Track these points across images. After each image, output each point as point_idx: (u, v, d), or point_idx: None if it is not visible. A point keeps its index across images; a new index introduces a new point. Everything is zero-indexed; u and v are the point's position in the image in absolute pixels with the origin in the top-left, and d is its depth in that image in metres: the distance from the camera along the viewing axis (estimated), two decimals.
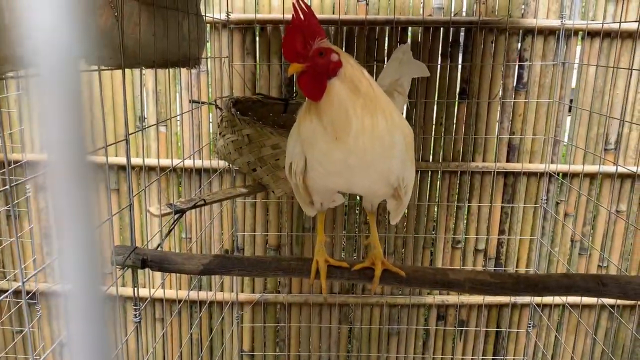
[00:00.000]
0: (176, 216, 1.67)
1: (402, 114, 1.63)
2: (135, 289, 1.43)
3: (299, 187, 1.27)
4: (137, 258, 1.26)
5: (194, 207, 1.74)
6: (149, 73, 2.42)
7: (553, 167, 2.53)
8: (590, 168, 2.52)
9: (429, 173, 2.60)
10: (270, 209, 2.64)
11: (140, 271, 2.63)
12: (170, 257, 1.31)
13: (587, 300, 2.66)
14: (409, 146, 1.14)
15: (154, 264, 1.28)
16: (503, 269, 2.68)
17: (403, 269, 1.30)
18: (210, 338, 2.78)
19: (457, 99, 2.51)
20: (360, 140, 1.05)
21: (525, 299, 2.71)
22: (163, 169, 2.49)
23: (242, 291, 2.75)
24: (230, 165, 2.33)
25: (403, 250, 2.69)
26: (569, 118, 2.56)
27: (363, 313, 2.78)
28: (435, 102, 2.50)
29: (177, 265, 1.30)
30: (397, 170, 1.13)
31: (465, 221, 2.68)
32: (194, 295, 2.70)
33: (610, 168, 2.50)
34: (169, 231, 1.64)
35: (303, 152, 1.15)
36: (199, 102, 2.26)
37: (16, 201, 2.54)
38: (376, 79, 1.41)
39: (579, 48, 2.47)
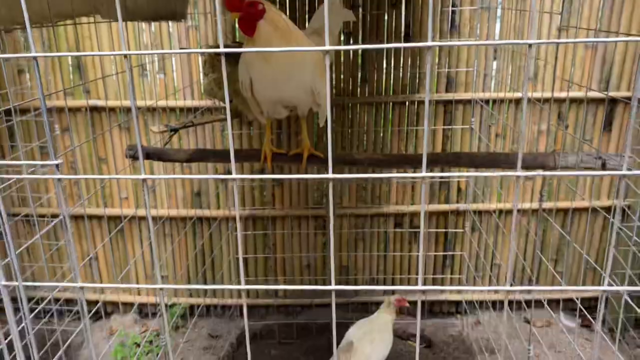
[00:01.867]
0: (171, 133, 2.27)
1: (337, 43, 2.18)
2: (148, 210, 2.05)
3: (250, 100, 1.85)
4: (143, 152, 1.85)
5: (184, 127, 2.33)
6: (147, 29, 2.98)
7: (481, 95, 3.07)
8: (515, 95, 3.06)
9: (382, 105, 3.15)
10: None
11: (151, 195, 3.27)
12: (165, 151, 1.91)
13: (522, 206, 3.25)
14: (317, 64, 1.71)
15: (154, 155, 1.88)
16: (446, 181, 3.27)
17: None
18: (210, 247, 3.43)
19: (402, 41, 3.03)
20: (280, 61, 1.62)
21: (463, 206, 3.30)
22: (163, 109, 3.08)
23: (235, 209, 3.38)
24: (214, 101, 2.91)
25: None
26: (494, 59, 3.08)
27: (334, 223, 3.39)
28: (385, 45, 3.03)
29: (170, 156, 1.89)
30: (310, 81, 1.70)
31: (414, 144, 3.25)
32: (195, 213, 3.34)
33: (530, 94, 3.03)
34: (165, 143, 2.23)
35: (248, 72, 1.73)
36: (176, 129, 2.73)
37: None
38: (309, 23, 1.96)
39: None
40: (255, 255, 3.45)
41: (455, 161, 1.83)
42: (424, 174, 0.73)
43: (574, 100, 3.10)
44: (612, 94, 3.05)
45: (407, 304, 2.71)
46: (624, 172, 0.72)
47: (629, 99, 2.95)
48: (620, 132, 3.12)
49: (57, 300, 3.26)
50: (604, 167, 1.78)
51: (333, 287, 0.79)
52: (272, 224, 3.40)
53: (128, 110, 3.13)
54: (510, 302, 3.52)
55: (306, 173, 2.15)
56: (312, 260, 3.46)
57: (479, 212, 3.31)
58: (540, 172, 1.99)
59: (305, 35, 1.86)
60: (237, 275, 3.51)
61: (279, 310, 3.57)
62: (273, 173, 3.07)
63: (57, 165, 0.77)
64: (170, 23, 2.92)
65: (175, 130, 2.26)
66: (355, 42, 3.04)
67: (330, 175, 0.72)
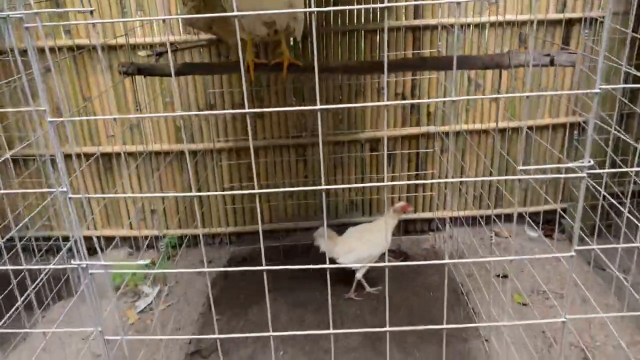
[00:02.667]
0: (157, 56, 2.41)
1: None
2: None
3: (229, 19, 2.00)
4: (135, 68, 2.01)
5: (172, 51, 2.47)
6: None
7: (445, 21, 3.24)
8: (479, 19, 3.24)
9: (355, 33, 3.31)
10: None
11: (136, 132, 3.41)
12: (154, 66, 2.06)
13: (486, 125, 3.50)
14: None
15: (145, 70, 2.03)
16: (416, 105, 3.48)
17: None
18: (196, 180, 3.62)
19: None
20: None
21: (433, 129, 3.53)
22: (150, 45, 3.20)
23: (219, 141, 3.54)
24: (194, 31, 3.03)
25: (340, 97, 3.46)
26: None
27: (314, 150, 3.59)
28: None
29: (159, 71, 2.05)
30: None
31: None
32: (183, 147, 3.50)
33: (490, 18, 3.23)
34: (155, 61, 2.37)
35: None
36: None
37: None
38: None
39: None
40: (240, 184, 3.65)
41: (422, 65, 2.02)
42: (386, 102, 0.92)
43: (532, 22, 3.30)
44: (568, 15, 3.25)
45: (411, 208, 3.08)
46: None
47: (584, 19, 3.17)
48: (578, 49, 3.34)
49: (49, 238, 3.40)
50: (552, 63, 2.00)
51: (323, 187, 1.03)
52: (255, 154, 3.59)
53: (112, 49, 3.23)
54: (478, 217, 3.82)
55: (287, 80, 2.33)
56: (295, 186, 3.67)
57: (447, 134, 3.54)
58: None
59: None
60: (224, 205, 3.71)
61: (265, 236, 3.81)
62: (255, 85, 3.25)
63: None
64: None
65: (160, 54, 2.40)
66: None
67: (317, 107, 0.90)
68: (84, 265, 1.28)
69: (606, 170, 1.63)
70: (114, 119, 3.09)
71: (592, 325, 2.81)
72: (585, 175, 1.26)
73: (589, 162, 1.49)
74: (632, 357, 2.56)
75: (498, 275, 3.29)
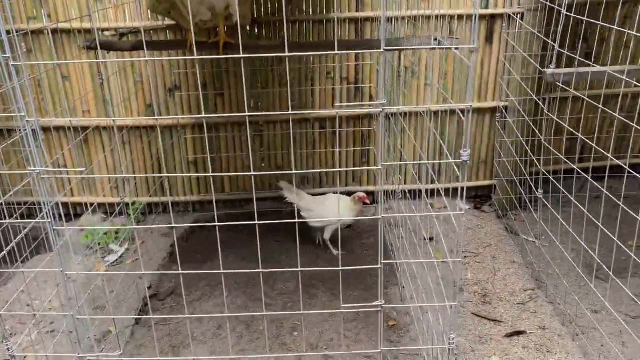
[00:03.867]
0: (121, 36, 2.83)
1: None
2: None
3: (179, 4, 2.42)
4: (96, 43, 2.43)
5: (131, 32, 2.89)
6: None
7: (389, 14, 3.67)
8: (413, 12, 3.68)
9: (304, 23, 3.73)
10: None
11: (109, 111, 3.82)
12: (114, 42, 2.48)
13: (422, 108, 3.93)
14: None
15: (106, 45, 2.45)
16: (360, 88, 3.91)
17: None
18: (164, 152, 4.04)
19: None
20: None
21: (374, 110, 3.96)
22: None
23: (183, 116, 3.96)
24: (158, 16, 3.45)
25: (294, 79, 3.89)
26: None
27: (269, 128, 4.02)
28: None
29: (118, 46, 2.47)
30: None
31: (332, 58, 3.86)
32: (150, 122, 3.92)
33: (423, 12, 3.66)
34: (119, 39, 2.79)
35: None
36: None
37: None
38: None
39: None
40: (203, 156, 4.07)
41: (318, 46, 2.46)
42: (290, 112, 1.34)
43: (461, 17, 3.74)
44: (491, 10, 3.70)
45: (367, 201, 3.53)
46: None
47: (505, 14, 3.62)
48: (500, 43, 3.79)
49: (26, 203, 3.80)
50: (439, 45, 2.43)
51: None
52: (216, 130, 4.01)
53: (87, 32, 3.64)
54: (417, 191, 4.26)
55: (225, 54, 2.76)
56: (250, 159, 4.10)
57: (390, 114, 3.98)
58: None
59: None
60: (189, 176, 4.14)
61: (225, 204, 4.23)
62: (215, 67, 3.65)
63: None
64: None
65: (123, 35, 2.82)
66: None
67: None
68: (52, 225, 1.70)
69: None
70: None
71: (496, 276, 3.26)
72: (466, 160, 1.71)
73: (467, 152, 1.92)
74: (520, 300, 3.01)
75: (424, 238, 3.73)
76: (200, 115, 3.95)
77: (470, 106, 1.56)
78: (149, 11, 3.59)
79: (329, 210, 3.48)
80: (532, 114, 3.58)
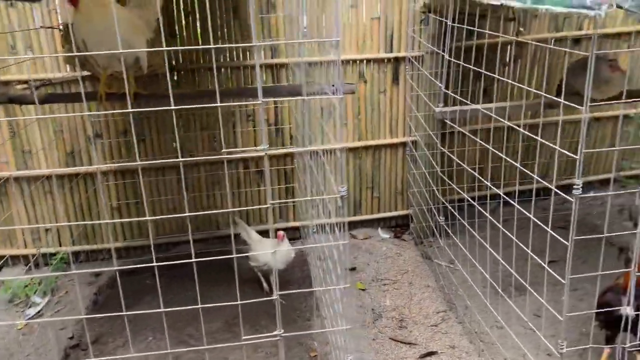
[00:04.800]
0: (36, 89, 2.88)
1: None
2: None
3: (88, 57, 2.53)
4: (7, 97, 2.48)
5: (43, 85, 2.94)
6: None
7: (293, 60, 3.91)
8: (323, 58, 3.93)
9: (222, 69, 3.91)
10: None
11: (28, 157, 3.80)
12: (24, 96, 2.54)
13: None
14: (130, 24, 2.42)
15: (16, 99, 2.51)
16: (280, 129, 4.09)
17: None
18: (87, 200, 4.03)
19: (231, 15, 3.80)
20: (100, 23, 2.32)
21: (300, 149, 4.15)
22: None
23: (106, 163, 3.99)
24: (75, 68, 3.52)
25: (215, 122, 4.03)
26: None
27: (193, 171, 4.11)
28: None
29: (28, 99, 2.53)
30: (126, 37, 2.41)
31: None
32: (70, 171, 3.92)
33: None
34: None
35: (80, 34, 2.41)
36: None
37: None
38: None
39: None
40: (127, 201, 4.09)
41: (243, 93, 2.63)
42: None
43: (369, 61, 4.04)
44: (395, 54, 4.02)
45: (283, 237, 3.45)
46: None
47: (406, 57, 3.94)
48: (405, 83, 4.10)
49: None
50: (336, 92, 2.65)
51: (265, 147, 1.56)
52: (139, 175, 4.06)
53: (4, 83, 3.64)
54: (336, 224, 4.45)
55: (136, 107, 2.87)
56: (177, 202, 4.16)
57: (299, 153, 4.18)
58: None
59: (130, 6, 2.58)
60: (113, 222, 4.14)
61: (150, 249, 4.23)
62: (107, 109, 3.72)
63: None
64: (30, 4, 3.48)
65: (38, 87, 2.88)
66: (195, 19, 3.77)
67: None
68: None
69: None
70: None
71: (412, 301, 3.46)
72: (344, 194, 1.89)
73: (344, 188, 2.11)
74: (433, 322, 3.21)
75: (346, 269, 3.89)
76: (120, 164, 4.00)
77: (344, 147, 1.74)
78: (66, 63, 3.65)
79: (261, 251, 3.51)
80: (434, 147, 3.87)
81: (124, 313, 1.96)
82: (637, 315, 2.32)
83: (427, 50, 3.70)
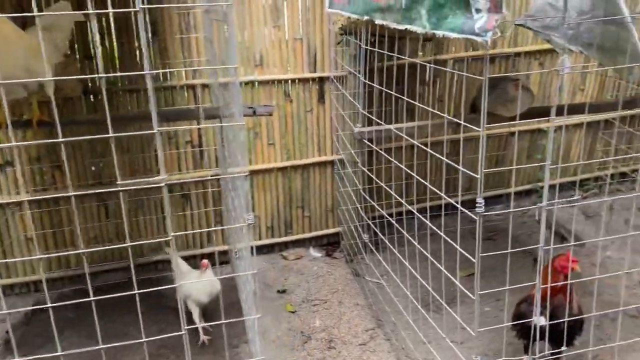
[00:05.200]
0: None
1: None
2: None
3: None
4: None
5: None
6: None
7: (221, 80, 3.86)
8: (247, 78, 3.91)
9: (141, 91, 3.79)
10: None
11: None
12: None
13: (268, 165, 4.12)
14: (29, 49, 2.30)
15: None
16: (204, 151, 4.01)
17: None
18: None
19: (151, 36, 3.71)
20: None
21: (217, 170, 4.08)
22: None
23: (18, 194, 3.76)
24: None
25: (135, 145, 3.89)
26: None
27: (113, 197, 3.95)
28: None
29: None
30: (23, 62, 2.29)
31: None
32: None
33: (259, 77, 3.92)
34: None
35: None
36: None
37: None
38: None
39: None
40: (43, 231, 3.87)
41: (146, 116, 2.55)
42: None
43: (294, 80, 4.04)
44: (320, 74, 4.05)
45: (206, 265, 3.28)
46: None
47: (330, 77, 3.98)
48: (331, 102, 4.14)
49: None
50: (254, 113, 2.63)
51: (163, 178, 1.44)
52: (56, 203, 3.85)
53: None
54: (272, 245, 4.41)
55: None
56: (97, 229, 3.98)
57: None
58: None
59: (35, 29, 2.45)
60: (29, 253, 3.89)
61: (72, 280, 4.02)
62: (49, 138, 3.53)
63: None
64: None
65: None
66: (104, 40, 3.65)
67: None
68: None
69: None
70: None
71: (342, 320, 3.44)
72: (251, 222, 1.82)
73: (251, 216, 2.06)
74: (361, 340, 3.21)
75: (278, 291, 3.85)
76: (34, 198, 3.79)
77: (247, 174, 1.71)
78: None
79: (186, 284, 3.31)
80: (356, 166, 3.91)
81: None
82: (552, 324, 2.40)
83: (348, 71, 3.75)
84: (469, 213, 1.90)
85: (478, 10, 1.53)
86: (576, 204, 1.95)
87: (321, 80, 4.09)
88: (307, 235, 4.46)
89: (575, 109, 3.58)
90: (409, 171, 2.33)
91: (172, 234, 1.71)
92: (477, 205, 1.81)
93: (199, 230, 4.18)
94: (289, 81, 4.04)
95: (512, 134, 4.68)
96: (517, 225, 4.53)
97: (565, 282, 2.49)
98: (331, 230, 4.49)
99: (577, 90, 4.80)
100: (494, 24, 1.45)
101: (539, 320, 2.51)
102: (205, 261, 3.25)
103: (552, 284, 2.33)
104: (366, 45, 2.98)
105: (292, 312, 3.58)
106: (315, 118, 4.18)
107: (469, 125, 1.86)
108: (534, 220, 4.63)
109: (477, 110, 3.09)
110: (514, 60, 4.49)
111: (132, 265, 1.68)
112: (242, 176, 1.74)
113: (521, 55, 4.53)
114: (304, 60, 4.01)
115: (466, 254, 2.00)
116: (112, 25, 3.62)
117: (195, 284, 3.20)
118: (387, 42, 3.47)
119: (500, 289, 2.03)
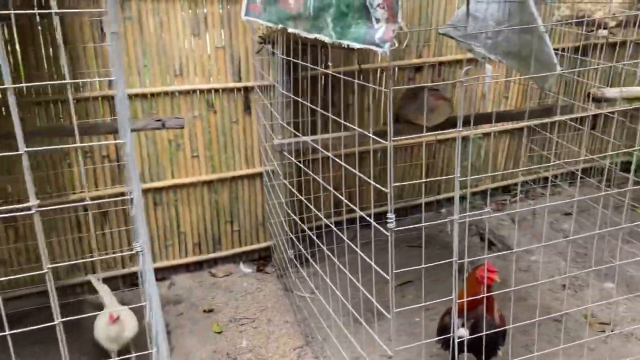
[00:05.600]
0: None
1: None
2: None
3: None
4: None
5: None
6: None
7: (134, 91, 3.65)
8: (166, 88, 3.73)
9: (58, 102, 3.53)
10: None
11: None
12: None
13: (192, 179, 3.94)
14: None
15: None
16: (122, 165, 3.79)
17: None
18: None
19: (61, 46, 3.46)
20: None
21: (149, 185, 3.87)
22: None
23: None
24: None
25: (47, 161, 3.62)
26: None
27: (24, 216, 3.65)
28: None
29: None
30: None
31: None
32: None
33: (179, 87, 3.75)
34: None
35: None
36: None
37: None
38: None
39: None
40: None
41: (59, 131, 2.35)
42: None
43: (217, 90, 3.90)
44: (245, 84, 3.93)
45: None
46: None
47: (255, 86, 3.86)
48: (256, 111, 4.02)
49: None
50: (163, 126, 2.48)
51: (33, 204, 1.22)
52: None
53: None
54: (200, 262, 4.22)
55: None
56: (6, 252, 3.67)
57: (159, 189, 3.92)
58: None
59: None
60: None
61: None
62: None
63: None
64: None
65: None
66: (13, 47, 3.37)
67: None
68: None
69: None
70: None
71: (270, 339, 3.32)
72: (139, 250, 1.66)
73: (139, 243, 1.89)
74: (289, 358, 3.10)
75: (204, 310, 3.67)
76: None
77: (132, 196, 1.56)
78: None
79: (98, 326, 2.98)
80: (279, 178, 3.81)
81: None
82: (479, 335, 2.37)
83: (272, 81, 3.65)
84: (380, 228, 1.83)
85: (377, 20, 1.46)
86: (486, 216, 1.92)
87: (247, 90, 3.97)
88: (237, 250, 4.30)
89: (498, 117, 3.65)
90: (324, 184, 2.24)
91: (49, 265, 1.52)
92: (387, 220, 1.74)
93: (86, 260, 3.94)
94: (212, 91, 3.89)
95: (440, 141, 4.73)
96: (446, 232, 4.56)
97: (489, 293, 2.48)
98: (262, 245, 4.36)
99: (501, 98, 4.91)
100: (391, 34, 1.39)
101: (461, 332, 2.48)
102: (114, 314, 2.89)
103: (469, 298, 2.30)
104: (286, 54, 2.88)
105: (219, 333, 3.42)
106: (241, 129, 4.05)
107: (375, 138, 1.79)
108: (472, 230, 4.68)
109: (399, 120, 3.06)
110: (440, 69, 4.54)
111: (52, 291, 1.44)
112: (130, 198, 1.59)
113: (446, 64, 4.58)
114: (227, 69, 3.88)
115: (380, 271, 1.93)
116: (15, 32, 3.35)
117: (103, 331, 2.92)
118: (309, 51, 3.41)
119: (416, 305, 1.97)
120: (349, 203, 2.06)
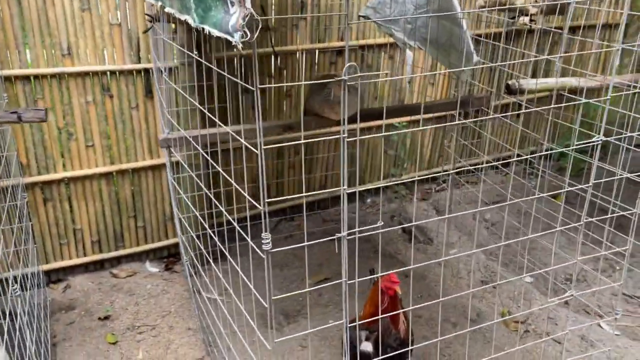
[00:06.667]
0: None
1: None
2: None
3: None
4: None
5: None
6: None
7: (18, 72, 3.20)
8: (53, 70, 3.29)
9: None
10: None
11: None
12: None
13: (87, 171, 3.54)
14: None
15: None
16: None
17: None
18: None
19: None
20: None
21: (35, 178, 3.44)
22: None
23: None
24: None
25: None
26: None
27: None
28: None
29: None
30: None
31: None
32: None
33: (69, 69, 3.31)
34: None
35: None
36: None
37: None
38: None
39: None
40: None
41: None
42: None
43: (113, 72, 3.49)
44: (145, 65, 3.53)
45: None
46: None
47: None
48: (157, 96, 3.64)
49: None
50: (20, 119, 2.10)
51: None
52: None
53: None
54: (101, 261, 3.85)
55: None
56: None
57: (48, 182, 3.50)
58: None
59: None
60: None
61: None
62: None
63: None
64: None
65: None
66: None
67: None
68: None
69: None
70: None
71: (169, 349, 3.03)
72: None
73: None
74: None
75: (100, 318, 3.33)
76: None
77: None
78: None
79: None
80: (186, 170, 3.50)
81: None
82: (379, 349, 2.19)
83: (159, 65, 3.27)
84: (257, 249, 1.57)
85: (232, 4, 1.18)
86: (379, 231, 1.71)
87: (147, 72, 3.57)
88: (142, 247, 3.95)
89: (409, 110, 3.48)
90: (227, 176, 1.96)
91: None
92: (262, 242, 1.48)
93: None
94: (108, 73, 3.48)
95: (365, 129, 4.52)
96: (370, 222, 4.39)
97: (394, 304, 2.30)
98: (172, 241, 4.03)
99: (427, 84, 4.75)
100: (241, 22, 1.11)
101: (365, 346, 2.30)
102: None
103: (370, 316, 2.10)
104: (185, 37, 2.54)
105: (113, 344, 3.09)
106: (142, 115, 3.66)
107: (234, 135, 1.52)
108: (386, 216, 4.53)
109: (306, 112, 2.80)
110: (362, 54, 4.30)
111: None
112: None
113: (367, 48, 4.34)
114: (124, 49, 3.47)
115: (257, 294, 1.68)
116: None
117: None
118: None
119: (302, 332, 1.74)
120: (251, 200, 1.76)
